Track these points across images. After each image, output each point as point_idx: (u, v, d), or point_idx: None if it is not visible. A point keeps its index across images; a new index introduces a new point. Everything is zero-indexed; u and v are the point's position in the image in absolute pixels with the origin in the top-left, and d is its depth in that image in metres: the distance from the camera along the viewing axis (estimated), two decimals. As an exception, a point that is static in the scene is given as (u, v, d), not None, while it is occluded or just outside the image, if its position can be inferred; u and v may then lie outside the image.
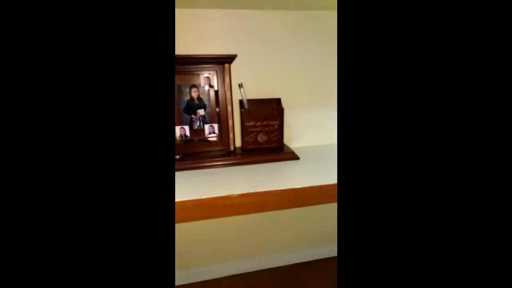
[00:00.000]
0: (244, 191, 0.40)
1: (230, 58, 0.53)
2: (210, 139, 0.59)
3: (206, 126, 0.59)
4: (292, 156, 0.57)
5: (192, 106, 0.57)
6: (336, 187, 0.42)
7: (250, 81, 0.63)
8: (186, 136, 0.59)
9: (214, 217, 0.41)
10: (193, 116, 0.58)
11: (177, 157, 0.55)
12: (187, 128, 0.58)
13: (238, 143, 0.63)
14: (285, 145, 0.64)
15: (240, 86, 0.58)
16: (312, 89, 0.67)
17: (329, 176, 0.46)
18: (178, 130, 0.58)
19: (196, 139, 0.58)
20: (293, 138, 0.70)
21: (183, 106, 0.57)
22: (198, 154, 0.57)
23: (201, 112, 0.58)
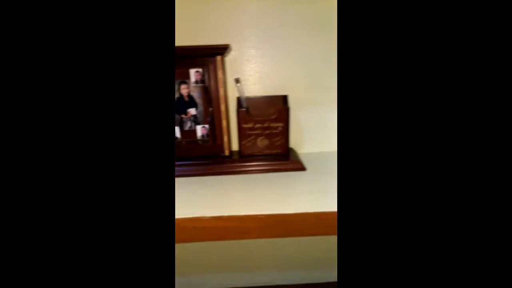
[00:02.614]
0: (218, 213, 0.32)
1: (222, 49, 0.45)
2: (201, 142, 0.52)
3: (198, 127, 0.51)
4: (296, 166, 0.47)
5: (182, 105, 0.51)
6: (336, 216, 0.31)
7: (252, 76, 0.54)
8: (176, 138, 0.52)
9: (185, 241, 0.33)
10: (183, 116, 0.51)
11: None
12: (177, 129, 0.52)
13: (237, 146, 0.54)
14: (293, 151, 0.54)
15: (237, 81, 0.49)
16: (328, 84, 0.55)
17: (334, 198, 0.35)
18: (168, 132, 0.52)
19: (183, 142, 0.51)
20: (304, 142, 0.60)
21: (172, 104, 0.50)
22: (189, 158, 0.50)
23: (192, 111, 0.51)
